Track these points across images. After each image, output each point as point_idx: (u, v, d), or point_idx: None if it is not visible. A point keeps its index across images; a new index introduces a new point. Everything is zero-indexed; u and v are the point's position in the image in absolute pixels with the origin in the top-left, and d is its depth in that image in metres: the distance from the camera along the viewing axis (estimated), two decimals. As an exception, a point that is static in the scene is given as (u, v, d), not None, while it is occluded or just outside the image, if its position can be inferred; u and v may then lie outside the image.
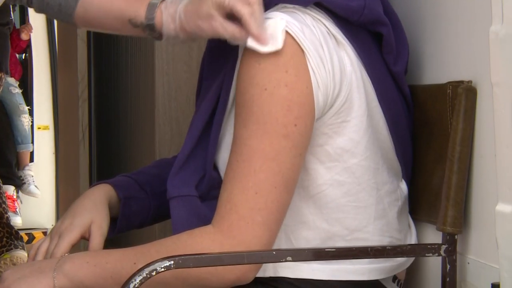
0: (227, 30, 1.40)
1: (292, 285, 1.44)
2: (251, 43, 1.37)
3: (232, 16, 1.40)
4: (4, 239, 3.51)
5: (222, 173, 1.47)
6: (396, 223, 1.51)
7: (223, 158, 1.47)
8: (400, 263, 1.51)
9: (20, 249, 3.56)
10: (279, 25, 1.37)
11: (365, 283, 1.46)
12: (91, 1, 1.56)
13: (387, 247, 1.41)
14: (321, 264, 1.44)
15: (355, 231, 1.46)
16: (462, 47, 1.49)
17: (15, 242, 3.55)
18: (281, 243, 1.45)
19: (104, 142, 3.49)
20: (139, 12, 1.51)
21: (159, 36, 1.51)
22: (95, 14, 1.57)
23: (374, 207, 1.47)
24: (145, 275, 1.26)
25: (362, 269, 1.45)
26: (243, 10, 1.37)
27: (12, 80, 5.61)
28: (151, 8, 1.50)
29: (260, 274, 1.40)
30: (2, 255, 3.51)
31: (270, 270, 1.45)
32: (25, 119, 5.63)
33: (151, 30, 1.51)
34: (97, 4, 1.56)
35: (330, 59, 1.39)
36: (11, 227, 3.58)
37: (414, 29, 1.63)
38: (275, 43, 1.36)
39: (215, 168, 1.49)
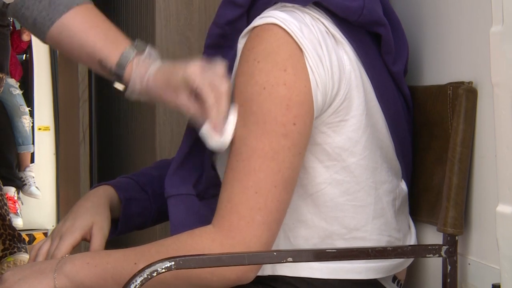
0: (189, 109, 1.42)
1: (291, 285, 1.44)
2: (205, 129, 1.39)
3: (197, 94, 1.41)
4: (7, 241, 3.51)
5: (220, 172, 1.48)
6: (394, 223, 1.51)
7: (221, 157, 1.47)
8: (398, 262, 1.51)
9: (24, 252, 3.55)
10: (231, 121, 1.38)
11: (364, 282, 1.46)
12: (68, 27, 1.53)
13: (388, 248, 1.40)
14: (319, 263, 1.44)
15: (353, 230, 1.46)
16: (462, 48, 1.49)
17: (19, 245, 3.55)
18: (280, 242, 1.45)
19: (105, 143, 3.49)
20: (111, 57, 1.49)
21: (123, 86, 1.51)
22: (69, 41, 1.54)
23: (373, 206, 1.47)
24: (146, 276, 1.26)
25: (360, 268, 1.46)
26: (209, 99, 1.38)
27: (12, 81, 5.61)
28: (124, 59, 1.48)
29: (258, 273, 1.40)
30: (6, 258, 3.50)
31: (268, 269, 1.45)
32: (26, 120, 5.63)
33: (118, 79, 1.50)
34: (73, 32, 1.53)
35: (328, 58, 1.39)
36: (14, 229, 3.58)
37: (415, 30, 1.63)
38: (225, 136, 1.38)
39: (213, 167, 1.49)
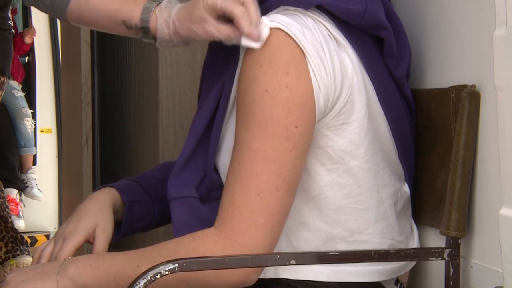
0: (221, 32, 1.42)
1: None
2: (244, 41, 1.39)
3: (225, 17, 1.41)
4: (10, 244, 3.50)
5: (222, 174, 1.48)
6: (397, 226, 1.51)
7: (223, 159, 1.47)
8: (401, 265, 1.51)
9: (26, 254, 3.54)
10: (265, 22, 1.38)
11: (366, 284, 1.46)
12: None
13: (391, 251, 1.41)
14: (321, 266, 1.44)
15: (355, 233, 1.46)
16: (465, 51, 1.49)
17: (21, 247, 3.54)
18: (282, 244, 1.45)
19: (108, 146, 3.49)
20: (134, 14, 1.52)
21: (152, 39, 1.52)
22: (89, 12, 1.57)
23: (375, 209, 1.47)
24: (149, 278, 1.26)
25: (362, 270, 1.46)
26: (235, 11, 1.39)
27: (15, 83, 5.61)
28: (146, 11, 1.51)
29: (260, 275, 1.40)
30: (8, 261, 3.49)
31: (270, 271, 1.45)
32: (28, 122, 5.63)
33: (145, 33, 1.52)
34: (91, 2, 1.56)
35: (331, 61, 1.40)
36: (16, 231, 3.57)
37: (417, 33, 1.63)
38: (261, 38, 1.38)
39: (216, 169, 1.49)
